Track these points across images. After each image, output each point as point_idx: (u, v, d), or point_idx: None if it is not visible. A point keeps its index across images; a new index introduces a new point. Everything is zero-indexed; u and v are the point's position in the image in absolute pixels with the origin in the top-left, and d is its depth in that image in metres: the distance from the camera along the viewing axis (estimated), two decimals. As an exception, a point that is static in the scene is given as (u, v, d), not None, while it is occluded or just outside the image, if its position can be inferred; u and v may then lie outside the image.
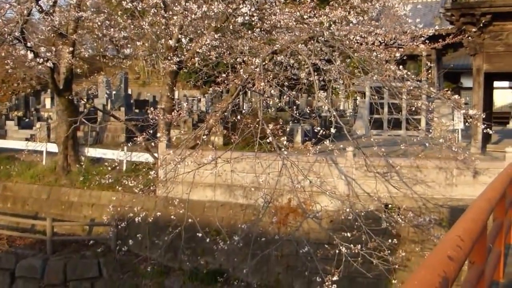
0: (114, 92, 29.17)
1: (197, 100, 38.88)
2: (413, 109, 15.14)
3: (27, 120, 31.09)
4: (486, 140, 20.73)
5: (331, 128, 12.59)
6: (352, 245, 11.60)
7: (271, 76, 14.18)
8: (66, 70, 19.18)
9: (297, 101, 21.77)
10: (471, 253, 3.77)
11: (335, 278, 10.88)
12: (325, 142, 12.91)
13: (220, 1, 14.11)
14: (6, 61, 17.26)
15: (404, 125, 24.54)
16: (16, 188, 20.67)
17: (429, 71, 27.65)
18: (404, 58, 17.91)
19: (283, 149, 12.91)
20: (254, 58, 12.65)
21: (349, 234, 12.73)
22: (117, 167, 19.75)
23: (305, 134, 22.72)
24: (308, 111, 22.65)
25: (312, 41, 13.52)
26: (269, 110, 25.60)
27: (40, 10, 16.78)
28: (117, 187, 18.20)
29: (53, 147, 21.56)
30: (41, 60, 15.34)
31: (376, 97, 21.21)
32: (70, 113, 19.92)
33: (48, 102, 33.97)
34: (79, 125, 19.84)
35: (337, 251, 11.80)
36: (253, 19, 14.54)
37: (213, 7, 13.89)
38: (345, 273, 11.77)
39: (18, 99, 36.01)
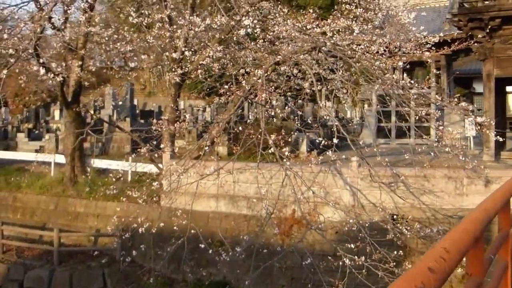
0: (120, 103, 29.22)
1: (202, 110, 38.84)
2: (421, 117, 14.84)
3: (37, 132, 31.33)
4: (500, 147, 20.25)
5: (334, 139, 12.37)
6: (356, 257, 11.38)
7: (273, 87, 14.06)
8: (75, 83, 19.32)
9: (299, 111, 21.55)
10: (467, 265, 3.93)
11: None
12: (327, 153, 12.68)
13: (223, 14, 14.04)
14: (20, 76, 17.41)
15: (413, 133, 24.16)
16: (26, 199, 20.87)
17: (439, 77, 27.25)
18: (412, 65, 17.59)
19: (285, 160, 12.73)
20: (257, 70, 12.51)
21: (352, 246, 12.50)
22: (122, 178, 19.72)
23: (311, 144, 22.42)
24: (313, 121, 22.51)
25: (315, 51, 13.34)
26: (274, 120, 25.44)
27: (53, 27, 17.06)
28: (122, 198, 18.19)
29: (61, 159, 21.67)
30: (52, 74, 15.58)
31: (383, 105, 20.94)
32: (78, 125, 20.16)
33: (57, 114, 34.41)
34: (86, 136, 19.88)
35: (341, 263, 11.57)
36: (256, 30, 14.42)
37: (216, 20, 13.82)
38: (351, 286, 11.54)
39: (29, 112, 36.31)
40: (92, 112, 25.67)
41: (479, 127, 15.47)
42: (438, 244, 2.91)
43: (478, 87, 38.18)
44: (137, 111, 32.26)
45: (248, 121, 17.67)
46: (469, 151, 18.18)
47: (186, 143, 21.88)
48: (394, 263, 11.73)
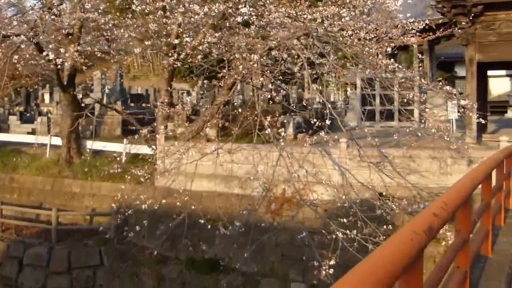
0: (109, 87, 29.56)
1: (187, 93, 39.16)
2: (406, 100, 15.47)
3: (28, 115, 31.59)
4: (482, 129, 20.99)
5: (326, 120, 12.93)
6: (348, 231, 12.00)
7: (268, 71, 14.59)
8: (70, 67, 19.67)
9: (288, 94, 22.14)
10: (456, 222, 4.93)
11: (332, 262, 11.27)
12: (320, 133, 13.25)
13: (221, 2, 14.52)
14: (17, 60, 17.87)
15: (397, 116, 24.81)
16: (22, 180, 21.41)
17: (422, 61, 27.89)
18: (396, 50, 18.16)
19: (280, 140, 13.32)
20: (252, 54, 12.98)
21: (345, 220, 13.11)
22: (117, 159, 20.20)
23: (297, 126, 23.01)
24: (299, 104, 23.09)
25: (307, 37, 13.86)
26: (261, 103, 25.91)
27: (51, 13, 17.50)
28: (117, 178, 18.74)
29: (55, 140, 22.10)
30: (54, 59, 16.13)
31: (368, 88, 21.55)
32: (74, 108, 20.75)
33: (47, 97, 34.58)
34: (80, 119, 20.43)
35: (333, 237, 12.19)
36: (251, 18, 14.88)
37: (214, 7, 14.28)
38: (341, 262, 12.16)
39: (20, 95, 36.51)
40: (80, 96, 26.10)
41: (462, 110, 16.18)
42: (437, 200, 3.76)
43: (460, 71, 38.77)
44: (127, 95, 32.58)
45: (236, 104, 18.19)
46: (451, 133, 18.82)
47: (175, 126, 22.33)
48: (384, 237, 12.36)
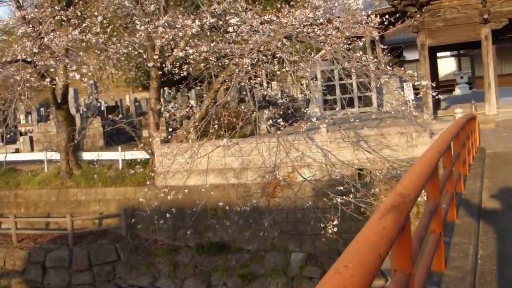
0: (86, 102, 31.04)
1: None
2: (368, 87, 17.81)
3: (8, 136, 32.76)
4: (436, 107, 23.55)
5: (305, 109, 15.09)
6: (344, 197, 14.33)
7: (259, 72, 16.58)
8: (63, 86, 21.28)
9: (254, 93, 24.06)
10: (427, 192, 5.34)
11: (335, 222, 13.50)
12: (295, 124, 15.38)
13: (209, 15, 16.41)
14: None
15: (357, 103, 27.13)
16: (27, 194, 22.82)
17: (374, 49, 30.46)
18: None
19: (279, 132, 15.51)
20: (245, 59, 14.91)
21: (342, 188, 15.28)
22: (114, 166, 22.11)
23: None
24: (263, 101, 25.27)
25: (287, 39, 15.96)
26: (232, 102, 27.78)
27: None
28: (119, 183, 20.60)
29: (51, 156, 23.69)
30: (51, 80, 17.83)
31: (332, 79, 23.89)
32: (68, 123, 22.48)
33: (22, 117, 35.77)
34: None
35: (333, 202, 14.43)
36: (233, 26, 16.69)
37: (205, 21, 16.19)
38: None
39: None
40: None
41: (423, 90, 18.63)
42: (412, 168, 4.45)
43: (408, 55, 41.40)
44: (103, 108, 34.06)
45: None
46: (411, 113, 21.10)
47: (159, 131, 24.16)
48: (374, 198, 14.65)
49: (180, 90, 30.74)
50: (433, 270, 5.14)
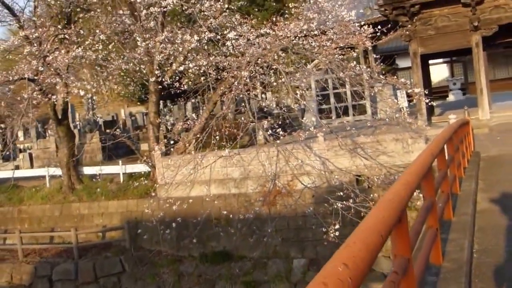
0: (84, 117, 31.44)
1: (144, 115, 40.83)
2: (362, 96, 18.23)
3: (8, 153, 33.13)
4: (430, 113, 24.00)
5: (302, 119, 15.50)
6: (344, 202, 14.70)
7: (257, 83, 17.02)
8: (63, 103, 21.71)
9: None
10: (423, 191, 5.79)
11: (337, 226, 13.85)
12: (293, 133, 15.77)
13: (207, 31, 16.88)
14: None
15: (351, 111, 27.54)
16: (30, 210, 23.16)
17: (367, 58, 30.94)
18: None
19: (278, 142, 15.89)
20: (243, 72, 15.36)
21: (342, 193, 15.65)
22: (115, 180, 22.45)
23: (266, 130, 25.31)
24: (259, 112, 25.65)
25: (282, 51, 16.43)
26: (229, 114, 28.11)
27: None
28: (122, 196, 20.95)
29: (53, 171, 24.05)
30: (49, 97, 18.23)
31: (327, 88, 24.29)
32: (69, 139, 22.89)
33: (20, 134, 36.17)
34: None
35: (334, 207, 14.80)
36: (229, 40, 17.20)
37: (203, 35, 16.64)
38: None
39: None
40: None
41: (416, 97, 19.08)
42: (407, 169, 4.76)
43: (401, 63, 41.89)
44: (100, 123, 34.44)
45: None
46: (405, 120, 21.49)
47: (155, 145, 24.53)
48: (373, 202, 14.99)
49: (177, 103, 31.16)
50: (431, 263, 5.55)
